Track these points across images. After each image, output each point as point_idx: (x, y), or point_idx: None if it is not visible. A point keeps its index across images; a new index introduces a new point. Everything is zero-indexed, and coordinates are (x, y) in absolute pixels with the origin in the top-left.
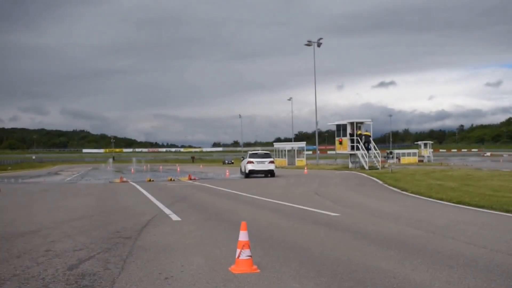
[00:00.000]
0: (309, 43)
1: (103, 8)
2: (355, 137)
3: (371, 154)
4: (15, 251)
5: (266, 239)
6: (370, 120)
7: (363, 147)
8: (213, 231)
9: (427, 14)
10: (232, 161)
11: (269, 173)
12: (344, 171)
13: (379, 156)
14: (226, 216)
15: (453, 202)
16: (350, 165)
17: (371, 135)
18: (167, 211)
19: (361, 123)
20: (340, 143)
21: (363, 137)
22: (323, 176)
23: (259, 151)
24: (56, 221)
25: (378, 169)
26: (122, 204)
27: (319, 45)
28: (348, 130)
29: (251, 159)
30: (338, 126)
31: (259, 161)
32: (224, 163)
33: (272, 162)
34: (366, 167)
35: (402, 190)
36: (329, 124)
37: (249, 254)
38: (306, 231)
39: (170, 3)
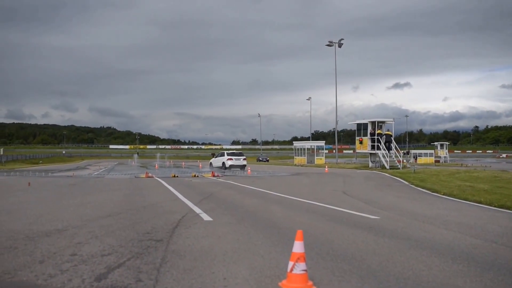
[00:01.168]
0: (330, 44)
1: (130, 11)
2: (376, 137)
3: (391, 154)
4: (38, 254)
5: (311, 246)
6: (391, 119)
7: (384, 146)
8: (250, 234)
9: (442, 17)
10: (268, 158)
11: (243, 167)
12: (365, 170)
13: (400, 156)
14: (260, 217)
15: (495, 206)
16: (370, 164)
17: (392, 135)
18: (196, 209)
19: (383, 122)
20: (361, 142)
21: (384, 136)
22: (345, 175)
23: (235, 151)
24: (83, 218)
25: (399, 168)
26: (149, 201)
27: (340, 45)
28: (369, 130)
29: (231, 157)
30: (358, 125)
31: (236, 158)
32: (258, 160)
33: (245, 159)
34: (387, 167)
35: (433, 192)
36: (350, 123)
37: (304, 268)
38: (352, 237)
39: (192, 6)
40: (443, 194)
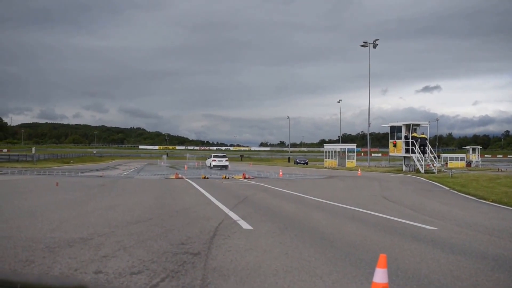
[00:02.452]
0: (364, 44)
1: (159, 13)
2: (410, 140)
3: (426, 158)
4: (56, 271)
5: (373, 264)
6: (427, 122)
7: (419, 150)
8: (299, 247)
9: (475, 19)
10: (307, 161)
11: (225, 167)
12: (399, 174)
13: (435, 160)
14: (304, 226)
15: None
16: (404, 168)
17: (428, 138)
18: (233, 215)
19: (417, 125)
20: (394, 145)
21: (419, 139)
22: (380, 178)
23: (219, 153)
24: (111, 224)
25: (434, 173)
26: (181, 205)
27: (375, 46)
28: (403, 132)
29: (215, 158)
30: (392, 128)
31: (219, 160)
32: (296, 162)
33: (227, 160)
34: (422, 171)
35: (479, 198)
36: (383, 126)
37: None
38: (417, 253)
39: (222, 8)
40: (491, 201)
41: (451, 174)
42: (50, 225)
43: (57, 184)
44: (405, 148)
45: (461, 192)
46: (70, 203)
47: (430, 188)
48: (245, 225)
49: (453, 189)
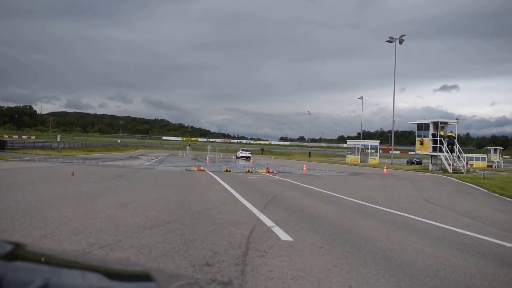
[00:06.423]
0: (390, 40)
1: (186, 8)
2: (438, 138)
3: (454, 157)
4: None
5: None
6: (455, 120)
7: (447, 149)
8: (361, 273)
9: (499, 21)
10: (420, 160)
11: (247, 158)
12: (426, 173)
13: (464, 160)
14: (355, 238)
15: None
16: (431, 167)
17: (456, 137)
18: (265, 220)
19: (445, 123)
20: (421, 143)
21: (447, 138)
22: (409, 178)
23: (244, 148)
24: (119, 229)
25: (462, 173)
26: (204, 203)
27: (401, 42)
28: (431, 130)
29: (241, 151)
30: (419, 125)
31: (243, 152)
32: (411, 163)
33: (249, 152)
34: (450, 170)
35: None
36: (410, 123)
37: None
38: None
39: (246, 4)
40: None
41: (484, 175)
42: (44, 229)
43: (73, 174)
44: (433, 147)
45: (504, 196)
46: (79, 198)
47: (468, 190)
48: (283, 235)
49: (493, 192)
